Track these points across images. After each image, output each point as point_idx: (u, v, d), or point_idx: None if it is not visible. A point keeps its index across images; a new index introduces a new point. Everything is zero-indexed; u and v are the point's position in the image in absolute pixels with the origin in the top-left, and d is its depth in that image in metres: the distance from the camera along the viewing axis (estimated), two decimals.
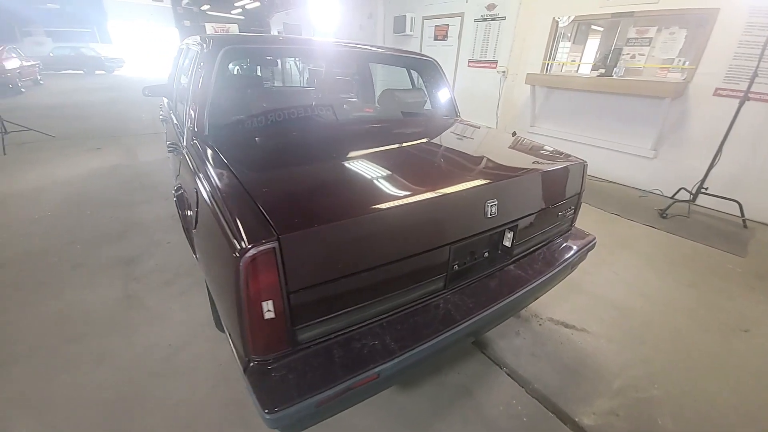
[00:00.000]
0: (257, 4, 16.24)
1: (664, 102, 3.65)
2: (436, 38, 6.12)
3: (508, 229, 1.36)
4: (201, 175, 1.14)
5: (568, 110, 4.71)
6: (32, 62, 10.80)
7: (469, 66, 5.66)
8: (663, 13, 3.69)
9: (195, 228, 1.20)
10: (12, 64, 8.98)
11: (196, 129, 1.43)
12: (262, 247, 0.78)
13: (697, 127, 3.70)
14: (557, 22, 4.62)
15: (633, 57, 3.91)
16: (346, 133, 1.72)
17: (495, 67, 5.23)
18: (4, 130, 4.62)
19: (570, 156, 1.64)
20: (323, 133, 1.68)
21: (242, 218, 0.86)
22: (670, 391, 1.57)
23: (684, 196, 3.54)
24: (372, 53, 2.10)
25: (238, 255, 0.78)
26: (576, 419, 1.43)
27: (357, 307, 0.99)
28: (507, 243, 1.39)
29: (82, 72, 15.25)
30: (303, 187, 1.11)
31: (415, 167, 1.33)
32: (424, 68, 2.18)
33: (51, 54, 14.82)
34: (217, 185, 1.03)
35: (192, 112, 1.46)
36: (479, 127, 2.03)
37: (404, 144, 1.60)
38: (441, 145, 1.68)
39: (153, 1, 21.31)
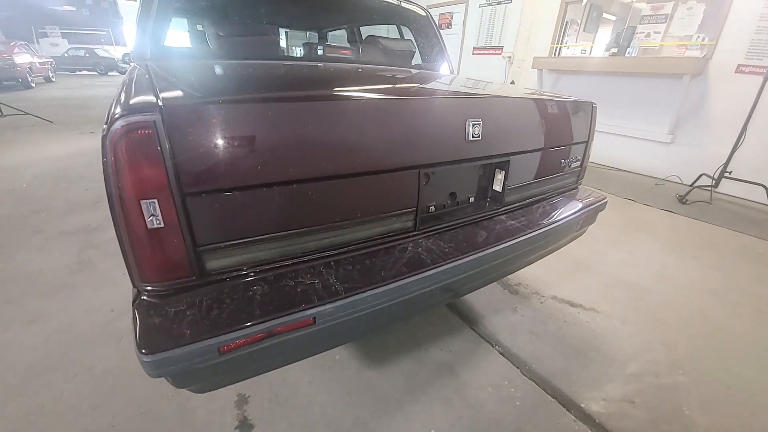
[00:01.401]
0: None
1: (682, 81, 3.37)
2: (440, 27, 5.93)
3: (498, 168, 1.13)
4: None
5: (578, 95, 4.43)
6: (45, 60, 11.01)
7: (474, 54, 5.46)
8: None
9: None
10: (22, 59, 9.13)
11: (135, 55, 1.25)
12: (134, 118, 0.57)
13: (719, 107, 3.40)
14: (566, 3, 4.39)
15: (648, 35, 3.65)
16: (306, 68, 1.47)
17: (501, 53, 5.01)
18: (1, 114, 4.58)
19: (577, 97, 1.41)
20: (282, 66, 1.43)
21: (124, 94, 0.65)
22: (699, 378, 1.30)
23: (705, 182, 3.23)
24: (357, 4, 1.91)
25: (104, 132, 0.57)
26: (582, 405, 1.17)
27: (289, 231, 0.76)
28: (497, 187, 1.15)
29: (96, 72, 15.56)
30: (227, 77, 0.89)
31: (385, 85, 1.11)
32: (416, 23, 1.96)
33: (66, 54, 15.18)
34: (125, 81, 0.83)
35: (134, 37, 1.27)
36: (479, 80, 1.80)
37: (383, 84, 1.38)
38: (427, 84, 1.44)
39: None
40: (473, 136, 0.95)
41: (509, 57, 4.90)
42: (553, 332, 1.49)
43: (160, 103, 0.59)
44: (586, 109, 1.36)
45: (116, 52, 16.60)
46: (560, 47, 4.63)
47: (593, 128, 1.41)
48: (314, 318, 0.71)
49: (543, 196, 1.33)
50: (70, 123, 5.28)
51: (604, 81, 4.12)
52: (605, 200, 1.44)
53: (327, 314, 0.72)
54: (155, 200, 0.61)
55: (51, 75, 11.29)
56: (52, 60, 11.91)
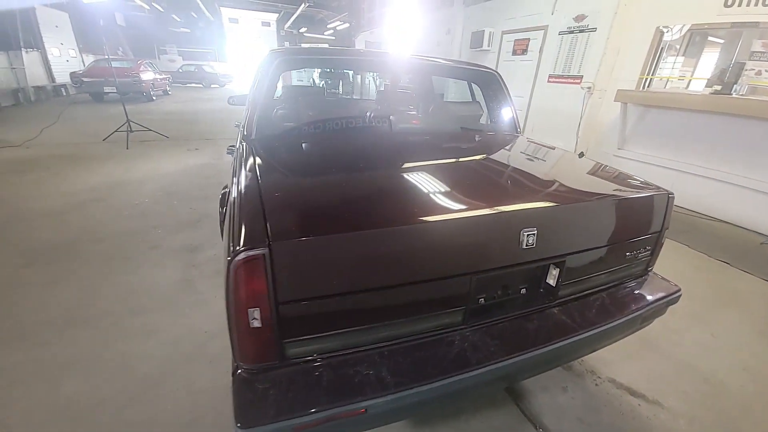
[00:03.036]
0: (346, 25, 17.54)
1: None
2: (514, 53, 5.82)
3: (554, 264, 1.16)
4: (234, 176, 1.20)
5: (670, 133, 4.02)
6: (164, 76, 13.12)
7: (549, 81, 5.25)
8: None
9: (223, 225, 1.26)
10: (147, 76, 11.01)
11: (245, 132, 1.53)
12: (251, 252, 0.77)
13: None
14: (662, 32, 4.02)
15: (759, 74, 3.19)
16: (389, 145, 1.67)
17: (579, 83, 4.75)
18: (130, 129, 5.64)
19: (651, 185, 1.36)
20: (366, 143, 1.66)
21: (245, 221, 0.86)
22: None
23: None
24: (430, 64, 2.05)
25: (229, 258, 0.78)
26: None
27: (353, 329, 0.92)
28: (551, 281, 1.18)
29: (201, 85, 18.09)
30: (320, 195, 1.08)
31: (445, 183, 1.21)
32: (485, 81, 2.04)
33: (180, 70, 17.89)
34: (241, 186, 1.06)
35: (246, 116, 1.57)
36: (541, 147, 1.82)
37: (444, 159, 1.49)
38: (484, 162, 1.53)
39: (262, 26, 24.50)
40: (527, 245, 1.01)
41: (589, 87, 4.63)
42: (607, 424, 1.43)
43: (269, 235, 0.79)
44: (662, 201, 1.31)
45: (219, 68, 19.08)
46: (651, 78, 4.24)
47: (668, 218, 1.34)
48: (366, 409, 0.85)
49: (605, 286, 1.30)
50: (180, 138, 6.28)
51: (702, 119, 3.68)
52: (678, 293, 1.36)
53: (377, 406, 0.86)
54: (258, 308, 0.81)
55: (168, 89, 13.42)
56: (169, 75, 14.14)
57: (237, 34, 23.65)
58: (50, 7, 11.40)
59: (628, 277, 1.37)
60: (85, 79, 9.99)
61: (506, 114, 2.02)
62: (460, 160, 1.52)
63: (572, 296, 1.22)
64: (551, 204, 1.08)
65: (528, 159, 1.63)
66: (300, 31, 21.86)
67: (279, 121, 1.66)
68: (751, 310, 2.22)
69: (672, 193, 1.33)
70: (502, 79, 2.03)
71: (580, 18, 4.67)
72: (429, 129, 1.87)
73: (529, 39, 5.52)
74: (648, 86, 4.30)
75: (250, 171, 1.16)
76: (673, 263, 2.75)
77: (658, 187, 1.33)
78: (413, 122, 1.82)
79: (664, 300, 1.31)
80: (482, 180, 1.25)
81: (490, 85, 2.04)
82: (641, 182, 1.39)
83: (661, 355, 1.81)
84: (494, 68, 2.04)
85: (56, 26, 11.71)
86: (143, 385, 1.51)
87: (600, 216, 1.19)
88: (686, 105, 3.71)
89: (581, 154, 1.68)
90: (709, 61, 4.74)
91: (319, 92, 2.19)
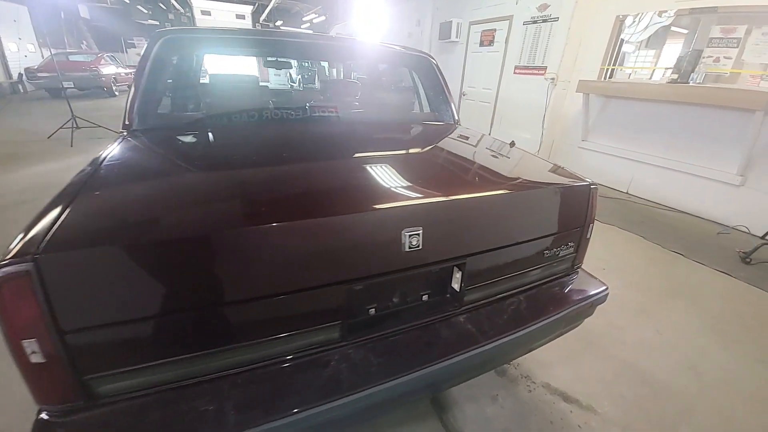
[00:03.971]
0: (323, 18, 17.15)
1: (755, 116, 2.86)
2: (482, 44, 5.71)
3: (457, 267, 1.02)
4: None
5: (630, 123, 3.98)
6: (129, 70, 12.50)
7: (515, 73, 5.16)
8: (754, 9, 2.92)
9: None
10: (108, 70, 10.44)
11: (126, 122, 1.33)
12: (9, 269, 0.59)
13: None
14: (621, 21, 3.97)
15: (716, 60, 3.16)
16: (284, 139, 1.44)
17: (543, 74, 4.67)
18: (75, 126, 5.26)
19: (575, 176, 1.23)
20: (260, 138, 1.43)
21: (27, 227, 0.68)
22: None
23: None
24: (356, 49, 1.87)
25: None
26: None
27: (183, 357, 0.75)
28: (455, 285, 1.04)
29: None
30: (158, 197, 0.89)
31: (324, 181, 1.04)
32: (419, 66, 1.88)
33: None
34: (66, 185, 0.87)
35: (126, 105, 1.36)
36: (469, 137, 1.67)
37: (342, 153, 1.32)
38: (388, 155, 1.35)
39: (237, 19, 23.74)
40: (411, 247, 0.86)
41: (552, 78, 4.55)
42: None
43: (41, 246, 0.61)
44: (581, 193, 1.18)
45: None
46: (611, 69, 4.19)
47: (592, 212, 1.22)
48: None
49: (522, 288, 1.18)
50: None
51: (661, 109, 3.64)
52: (605, 292, 1.24)
53: None
54: (34, 339, 0.63)
55: None
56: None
57: (209, 25, 22.87)
58: (7, 0, 10.68)
59: (551, 277, 1.24)
60: (40, 75, 9.39)
61: (441, 102, 1.86)
62: (361, 154, 1.34)
63: (481, 301, 1.09)
64: (441, 199, 0.93)
65: (443, 151, 1.45)
66: (276, 24, 21.25)
67: (170, 111, 1.46)
68: (700, 303, 2.16)
69: (594, 185, 1.20)
70: (437, 65, 1.87)
71: (543, 7, 4.58)
72: (348, 119, 1.68)
73: (495, 30, 5.41)
74: (610, 77, 4.25)
75: (91, 166, 0.97)
76: (626, 255, 2.70)
77: (579, 178, 1.21)
78: (330, 112, 1.63)
79: (589, 301, 1.19)
80: (370, 176, 1.07)
81: (424, 71, 1.88)
82: (565, 174, 1.26)
83: (602, 354, 1.71)
84: (428, 53, 1.87)
85: (14, 20, 11.00)
86: None
87: (507, 211, 1.05)
88: (644, 95, 3.67)
89: (512, 144, 1.54)
90: (674, 50, 4.73)
91: (240, 81, 1.98)
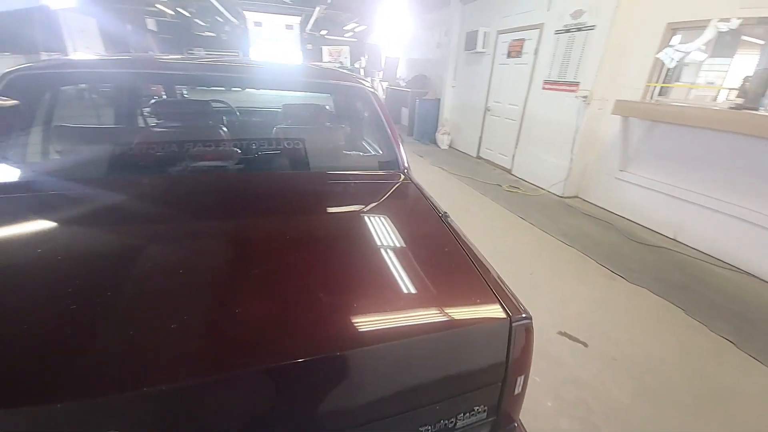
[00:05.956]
0: (364, 27, 17.21)
1: None
2: (509, 55, 5.14)
3: None
4: None
5: (682, 154, 3.23)
6: None
7: (544, 88, 4.53)
8: None
9: None
10: None
11: None
12: None
13: None
14: (673, 29, 3.24)
15: None
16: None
17: (575, 91, 4.01)
18: None
19: (487, 299, 0.77)
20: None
21: None
22: None
23: None
24: (260, 75, 1.48)
25: None
26: None
27: None
28: None
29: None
30: None
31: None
32: (352, 98, 1.49)
33: None
34: None
35: None
36: (392, 207, 1.20)
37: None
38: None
39: (286, 29, 24.83)
40: None
41: (585, 96, 3.88)
42: None
43: None
44: (491, 334, 0.74)
45: None
46: (661, 86, 3.46)
47: (525, 357, 0.76)
48: None
49: None
50: None
51: (723, 139, 2.88)
52: None
53: None
54: None
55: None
56: None
57: (262, 36, 24.15)
58: (76, 12, 11.98)
59: None
60: None
61: (381, 144, 1.46)
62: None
63: None
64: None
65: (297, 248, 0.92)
66: (321, 33, 21.84)
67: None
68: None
69: (525, 320, 0.75)
70: (377, 98, 1.47)
71: (577, 14, 3.94)
72: (236, 178, 1.28)
73: (524, 39, 4.82)
74: (660, 94, 3.51)
75: None
76: (652, 341, 2.04)
77: (492, 318, 0.75)
78: (207, 157, 1.27)
79: None
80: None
81: (360, 104, 1.50)
82: (479, 295, 0.80)
83: None
84: (368, 83, 1.47)
85: (81, 30, 12.30)
86: None
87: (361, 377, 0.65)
88: (698, 122, 2.92)
89: (445, 215, 1.11)
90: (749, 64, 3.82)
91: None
